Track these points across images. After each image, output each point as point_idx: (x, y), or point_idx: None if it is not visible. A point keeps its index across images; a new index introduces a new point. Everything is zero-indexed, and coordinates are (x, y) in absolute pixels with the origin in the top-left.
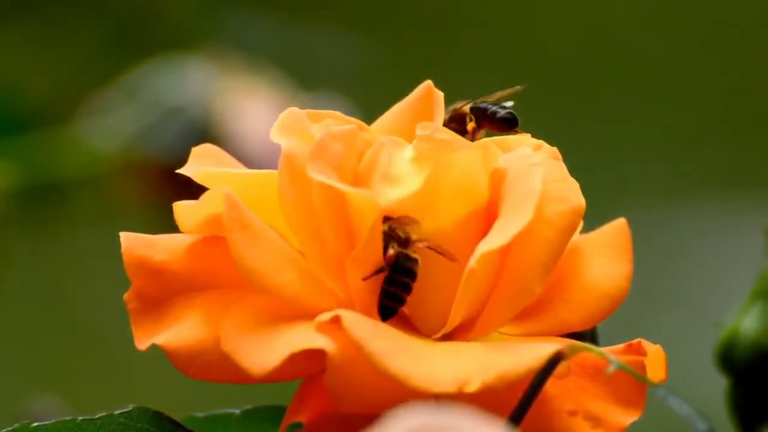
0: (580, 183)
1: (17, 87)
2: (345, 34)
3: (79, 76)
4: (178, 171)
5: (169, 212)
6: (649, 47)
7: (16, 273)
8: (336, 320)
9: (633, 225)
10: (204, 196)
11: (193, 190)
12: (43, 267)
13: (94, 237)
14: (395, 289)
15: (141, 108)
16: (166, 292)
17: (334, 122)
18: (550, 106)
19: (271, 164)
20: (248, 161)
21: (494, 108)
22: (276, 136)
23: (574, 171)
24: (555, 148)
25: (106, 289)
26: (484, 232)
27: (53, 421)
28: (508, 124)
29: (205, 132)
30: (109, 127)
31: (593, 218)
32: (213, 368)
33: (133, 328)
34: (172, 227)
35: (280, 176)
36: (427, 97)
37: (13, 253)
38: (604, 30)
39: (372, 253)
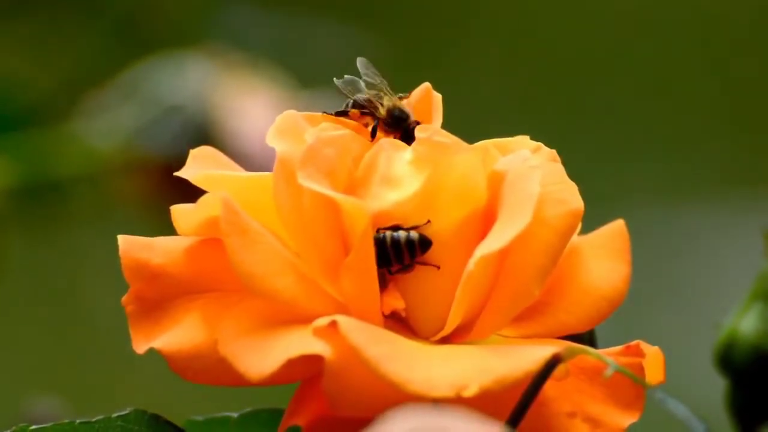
0: (578, 184)
1: (16, 84)
2: (345, 28)
3: (78, 73)
4: (176, 174)
5: (169, 210)
6: (648, 47)
7: (15, 271)
8: (333, 325)
9: (632, 225)
10: (201, 200)
11: (192, 188)
12: (42, 265)
13: (93, 235)
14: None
15: (140, 106)
16: (164, 295)
17: (330, 126)
18: (549, 106)
19: (270, 163)
20: (247, 159)
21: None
22: (271, 140)
23: (573, 172)
24: (553, 151)
25: (106, 288)
26: (483, 234)
27: (51, 424)
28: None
29: (203, 130)
30: (107, 124)
31: (592, 219)
32: (210, 372)
33: (131, 332)
34: (171, 225)
35: (275, 181)
36: (426, 98)
37: (12, 251)
38: (604, 30)
39: (365, 259)
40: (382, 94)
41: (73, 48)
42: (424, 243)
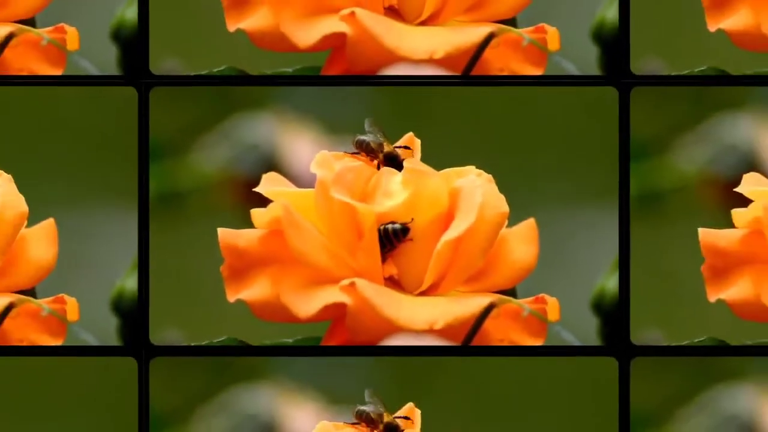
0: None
1: None
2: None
3: None
4: (254, 190)
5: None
6: None
7: None
8: (352, 285)
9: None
10: (270, 206)
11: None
12: None
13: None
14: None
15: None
16: (246, 265)
17: (349, 160)
18: None
19: (313, 183)
20: (299, 180)
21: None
22: (313, 169)
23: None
24: (490, 175)
25: None
26: (446, 227)
27: None
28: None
29: (272, 161)
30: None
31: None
32: (276, 313)
33: (226, 289)
34: (243, 224)
35: (316, 194)
36: (410, 142)
37: None
38: None
39: (371, 243)
40: (381, 141)
41: None
42: (404, 230)
